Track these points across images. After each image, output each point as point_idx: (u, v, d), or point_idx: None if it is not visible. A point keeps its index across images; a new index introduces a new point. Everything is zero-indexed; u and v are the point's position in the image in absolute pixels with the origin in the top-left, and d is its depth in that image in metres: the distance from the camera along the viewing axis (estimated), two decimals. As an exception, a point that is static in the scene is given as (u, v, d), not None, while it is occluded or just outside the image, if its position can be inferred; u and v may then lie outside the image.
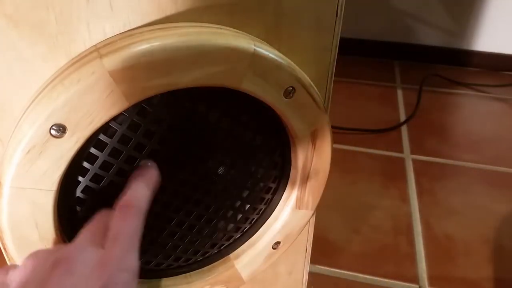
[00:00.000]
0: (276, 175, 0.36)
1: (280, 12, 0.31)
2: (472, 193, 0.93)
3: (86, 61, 0.25)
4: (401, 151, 1.07)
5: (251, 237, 0.38)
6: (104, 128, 0.27)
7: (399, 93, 1.36)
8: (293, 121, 0.32)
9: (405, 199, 0.90)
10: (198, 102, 0.29)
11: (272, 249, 0.38)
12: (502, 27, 1.45)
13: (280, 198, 0.37)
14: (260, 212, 0.37)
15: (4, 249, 0.28)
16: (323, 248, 0.76)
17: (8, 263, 0.32)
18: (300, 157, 0.34)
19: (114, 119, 0.27)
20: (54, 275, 0.21)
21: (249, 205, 0.36)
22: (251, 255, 0.38)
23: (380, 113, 1.24)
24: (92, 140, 0.27)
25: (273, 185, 0.36)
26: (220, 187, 0.33)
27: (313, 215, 0.39)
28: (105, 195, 0.29)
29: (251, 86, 0.28)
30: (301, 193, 0.36)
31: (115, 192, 0.29)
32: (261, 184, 0.35)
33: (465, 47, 1.52)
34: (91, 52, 0.26)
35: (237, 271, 0.38)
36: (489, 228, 0.83)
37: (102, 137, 0.27)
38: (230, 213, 0.35)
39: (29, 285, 0.22)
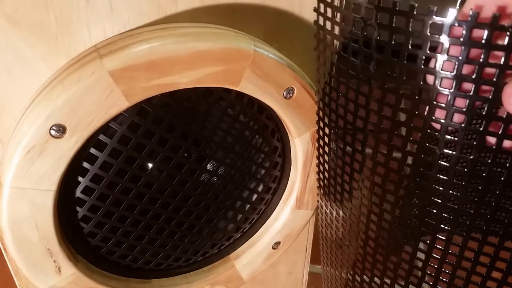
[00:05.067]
0: (276, 175, 0.36)
1: (279, 12, 0.32)
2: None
3: (86, 61, 0.25)
4: (401, 151, 1.06)
5: (251, 237, 0.38)
6: (104, 129, 0.27)
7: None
8: (293, 121, 0.32)
9: (405, 199, 0.90)
10: (198, 102, 0.29)
11: (272, 249, 0.38)
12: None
13: (280, 198, 0.37)
14: (260, 212, 0.37)
15: (4, 249, 0.28)
16: (323, 248, 0.76)
17: (8, 263, 0.32)
18: (300, 157, 0.34)
19: (114, 119, 0.27)
20: None
21: (249, 205, 0.36)
22: (251, 255, 0.38)
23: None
24: (92, 141, 0.27)
25: (273, 185, 0.36)
26: (220, 187, 0.33)
27: (313, 215, 0.39)
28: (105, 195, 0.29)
29: (251, 87, 0.28)
30: (301, 193, 0.36)
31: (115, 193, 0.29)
32: (261, 184, 0.35)
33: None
34: (91, 52, 0.26)
35: (237, 271, 0.38)
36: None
37: (102, 137, 0.27)
38: (230, 213, 0.35)
39: None
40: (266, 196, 0.36)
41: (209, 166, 0.33)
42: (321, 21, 0.24)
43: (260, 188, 0.35)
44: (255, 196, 0.36)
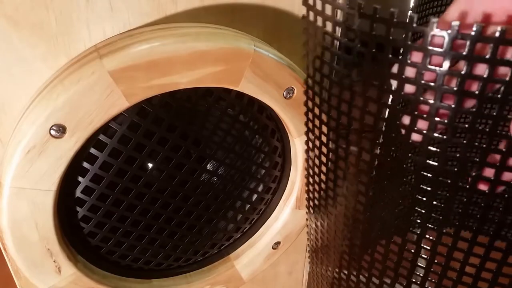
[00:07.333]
0: (276, 175, 0.36)
1: (279, 12, 0.32)
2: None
3: (86, 61, 0.25)
4: (401, 151, 1.06)
5: (251, 237, 0.38)
6: (104, 129, 0.27)
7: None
8: (293, 121, 0.32)
9: (405, 199, 0.90)
10: (198, 102, 0.29)
11: (272, 249, 0.38)
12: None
13: (280, 198, 0.37)
14: (260, 212, 0.37)
15: (4, 249, 0.28)
16: (323, 248, 0.76)
17: (8, 263, 0.32)
18: (300, 157, 0.34)
19: (114, 119, 0.27)
20: None
21: (249, 205, 0.36)
22: (251, 255, 0.38)
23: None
24: (92, 141, 0.27)
25: (273, 185, 0.36)
26: (220, 187, 0.33)
27: (313, 215, 0.39)
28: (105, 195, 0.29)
29: (251, 86, 0.28)
30: (301, 193, 0.36)
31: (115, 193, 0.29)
32: (261, 184, 0.35)
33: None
34: (91, 52, 0.26)
35: (237, 271, 0.38)
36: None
37: (102, 137, 0.27)
38: (230, 213, 0.35)
39: None
40: (266, 196, 0.36)
41: (209, 166, 0.33)
42: (310, 16, 0.22)
43: (260, 188, 0.35)
44: (255, 196, 0.36)
